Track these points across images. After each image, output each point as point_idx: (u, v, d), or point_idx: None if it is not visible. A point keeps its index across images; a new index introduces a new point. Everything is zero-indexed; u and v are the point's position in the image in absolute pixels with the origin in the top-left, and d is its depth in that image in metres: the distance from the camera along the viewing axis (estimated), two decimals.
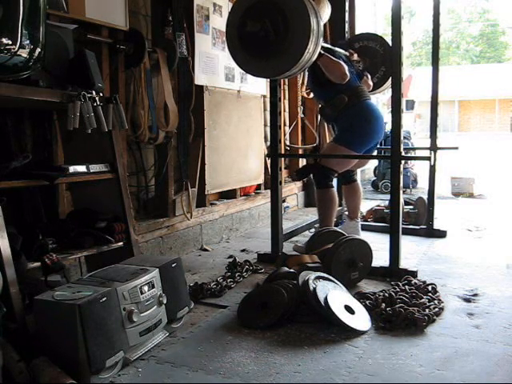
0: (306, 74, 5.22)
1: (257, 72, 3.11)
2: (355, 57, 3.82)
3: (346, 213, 4.06)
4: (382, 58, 4.11)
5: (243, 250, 3.79)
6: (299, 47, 2.77)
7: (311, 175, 3.94)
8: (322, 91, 3.63)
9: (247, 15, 2.88)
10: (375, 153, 4.09)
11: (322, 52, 3.18)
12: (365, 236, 3.50)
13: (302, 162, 5.76)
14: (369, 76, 3.86)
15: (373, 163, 7.77)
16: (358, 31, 5.42)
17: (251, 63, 2.98)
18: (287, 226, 4.10)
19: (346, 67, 3.37)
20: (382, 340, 2.18)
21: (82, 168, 2.36)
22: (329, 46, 3.51)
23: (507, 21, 35.74)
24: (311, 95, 5.51)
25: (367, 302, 2.47)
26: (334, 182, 3.84)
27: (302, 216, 5.15)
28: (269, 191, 3.92)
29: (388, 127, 5.97)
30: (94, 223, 2.45)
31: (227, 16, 3.07)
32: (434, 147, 4.04)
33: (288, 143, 5.34)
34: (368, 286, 2.84)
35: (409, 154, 5.20)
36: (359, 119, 3.48)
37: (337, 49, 3.63)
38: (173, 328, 2.28)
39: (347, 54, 3.75)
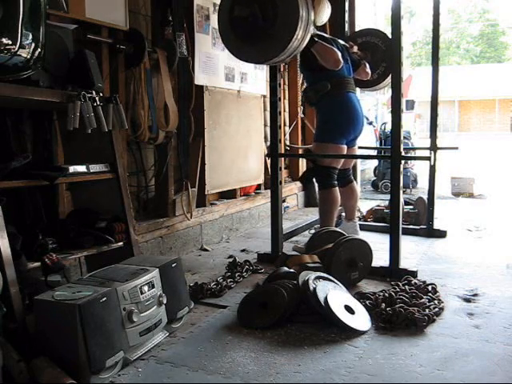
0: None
1: (246, 57, 3.12)
2: (355, 49, 3.84)
3: (344, 214, 4.06)
4: (384, 54, 4.11)
5: (243, 250, 3.79)
6: (287, 33, 2.79)
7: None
8: (310, 75, 3.69)
9: (237, 0, 2.90)
10: (375, 153, 4.09)
11: (317, 39, 3.21)
12: (365, 236, 3.50)
13: (302, 162, 5.77)
14: (367, 65, 3.87)
15: (372, 163, 7.78)
16: None
17: (241, 48, 3.01)
18: (287, 225, 4.10)
19: (339, 53, 3.39)
20: (382, 340, 2.18)
21: (81, 168, 2.36)
22: (322, 33, 3.52)
23: (507, 21, 35.76)
24: None
25: (367, 302, 2.47)
26: None
27: (302, 216, 5.15)
28: (269, 191, 3.92)
29: (388, 127, 5.95)
30: (94, 223, 2.45)
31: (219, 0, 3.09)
32: (434, 147, 4.03)
33: (288, 143, 5.34)
34: (368, 286, 2.84)
35: (409, 154, 5.20)
36: (337, 111, 3.56)
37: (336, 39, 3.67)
38: (173, 328, 2.28)
39: (347, 45, 3.77)
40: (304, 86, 5.26)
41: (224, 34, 3.06)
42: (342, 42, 3.76)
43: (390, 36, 3.90)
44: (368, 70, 3.89)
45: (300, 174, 5.68)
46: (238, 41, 2.98)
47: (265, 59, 3.00)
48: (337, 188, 3.63)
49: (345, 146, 3.62)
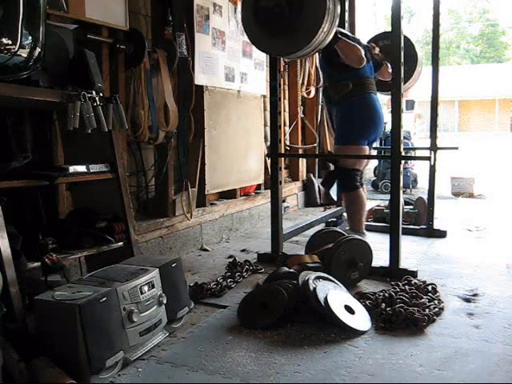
0: (307, 72, 5.26)
1: (270, 49, 3.08)
2: (376, 50, 3.83)
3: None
4: (404, 58, 4.11)
5: (243, 250, 3.78)
6: (313, 26, 2.74)
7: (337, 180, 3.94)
8: (331, 73, 3.63)
9: None
10: (375, 153, 4.09)
11: (340, 36, 3.18)
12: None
13: (302, 162, 5.77)
14: (389, 65, 3.86)
15: (373, 163, 7.76)
16: (358, 31, 5.42)
17: (264, 40, 2.96)
18: (287, 225, 4.10)
19: (362, 51, 3.37)
20: (382, 340, 2.18)
21: (81, 168, 2.36)
22: (345, 31, 3.51)
23: (507, 21, 35.78)
24: (311, 95, 5.53)
25: (367, 302, 2.47)
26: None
27: (302, 216, 5.15)
28: (269, 191, 3.92)
29: (388, 127, 5.95)
30: (94, 223, 2.45)
31: None
32: (434, 147, 4.03)
33: (288, 143, 5.34)
34: (368, 286, 2.83)
35: (409, 154, 5.20)
36: (358, 112, 3.51)
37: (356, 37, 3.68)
38: (173, 328, 2.28)
39: (368, 46, 3.77)
40: (304, 86, 5.29)
41: (247, 26, 3.01)
42: (364, 42, 3.76)
43: (408, 38, 3.89)
44: (390, 69, 3.87)
45: (300, 174, 5.69)
46: (261, 33, 2.93)
47: (289, 52, 2.96)
48: (361, 189, 3.59)
49: (367, 147, 3.59)
